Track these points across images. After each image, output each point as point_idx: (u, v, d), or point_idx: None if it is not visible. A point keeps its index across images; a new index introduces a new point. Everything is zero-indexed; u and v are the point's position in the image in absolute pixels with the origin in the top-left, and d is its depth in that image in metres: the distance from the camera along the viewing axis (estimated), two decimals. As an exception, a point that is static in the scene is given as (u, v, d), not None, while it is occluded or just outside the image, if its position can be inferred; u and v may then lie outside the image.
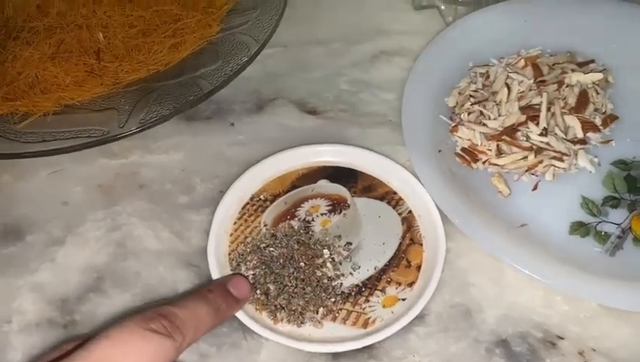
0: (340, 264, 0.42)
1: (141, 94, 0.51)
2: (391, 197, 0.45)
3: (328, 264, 0.41)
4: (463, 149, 0.47)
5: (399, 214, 0.44)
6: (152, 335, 0.30)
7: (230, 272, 0.41)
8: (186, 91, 0.50)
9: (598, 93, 0.49)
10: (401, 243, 0.43)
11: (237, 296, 0.38)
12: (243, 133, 0.51)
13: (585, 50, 0.52)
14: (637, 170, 0.46)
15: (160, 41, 0.54)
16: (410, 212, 0.44)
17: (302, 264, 0.41)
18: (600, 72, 0.50)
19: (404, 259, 0.42)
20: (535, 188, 0.45)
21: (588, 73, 0.50)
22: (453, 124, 0.48)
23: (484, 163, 0.46)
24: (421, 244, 0.42)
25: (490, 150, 0.46)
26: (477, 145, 0.47)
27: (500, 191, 0.45)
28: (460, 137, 0.47)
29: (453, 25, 0.54)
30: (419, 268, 0.41)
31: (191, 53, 0.54)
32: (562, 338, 0.39)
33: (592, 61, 0.51)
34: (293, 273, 0.40)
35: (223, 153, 0.49)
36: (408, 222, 0.44)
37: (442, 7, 0.58)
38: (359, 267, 0.42)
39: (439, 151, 0.46)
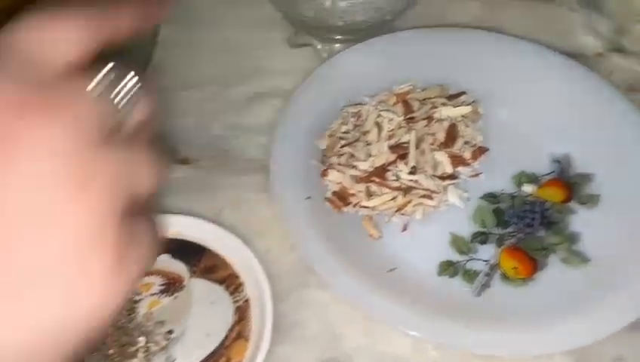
0: (154, 355, 0.38)
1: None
2: (231, 282, 0.41)
3: (140, 354, 0.38)
4: (334, 193, 0.46)
5: (235, 302, 0.41)
6: None
7: None
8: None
9: (467, 126, 0.49)
10: (226, 336, 0.39)
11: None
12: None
13: (457, 81, 0.52)
14: (505, 202, 0.46)
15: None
16: (247, 301, 0.40)
17: (111, 351, 0.38)
18: (469, 104, 0.50)
19: (223, 357, 0.38)
20: (404, 229, 0.44)
21: (458, 106, 0.50)
22: (324, 168, 0.47)
23: (354, 206, 0.45)
24: (247, 340, 0.39)
25: (360, 192, 0.45)
26: (347, 188, 0.46)
27: (370, 234, 0.44)
28: (330, 181, 0.46)
29: (325, 64, 0.53)
30: None
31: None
32: (434, 386, 0.39)
33: (464, 93, 0.51)
34: (99, 361, 0.37)
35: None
36: (241, 312, 0.40)
37: (318, 47, 0.57)
38: (174, 361, 0.38)
39: (307, 198, 0.45)
